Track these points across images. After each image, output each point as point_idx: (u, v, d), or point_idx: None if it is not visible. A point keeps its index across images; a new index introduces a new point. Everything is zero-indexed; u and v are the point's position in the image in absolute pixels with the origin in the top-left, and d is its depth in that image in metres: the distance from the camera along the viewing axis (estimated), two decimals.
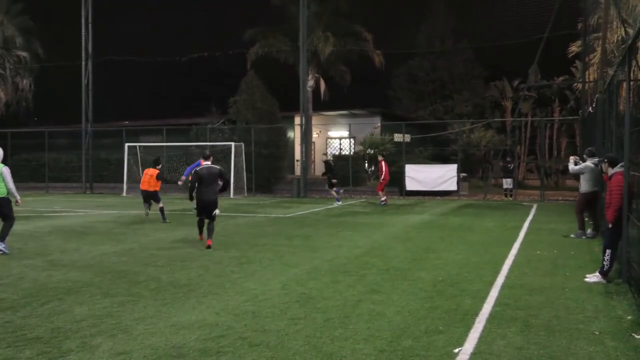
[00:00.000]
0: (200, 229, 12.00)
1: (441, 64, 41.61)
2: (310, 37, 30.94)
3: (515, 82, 40.05)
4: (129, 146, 29.60)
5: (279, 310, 6.42)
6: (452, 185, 26.73)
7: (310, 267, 9.07)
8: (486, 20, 29.57)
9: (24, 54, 37.57)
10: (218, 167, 11.97)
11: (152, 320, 6.00)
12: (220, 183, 11.97)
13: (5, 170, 10.42)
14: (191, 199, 11.71)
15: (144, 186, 16.33)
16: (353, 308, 6.55)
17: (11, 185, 10.45)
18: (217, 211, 11.74)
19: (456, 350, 5.15)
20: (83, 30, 32.59)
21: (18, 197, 10.83)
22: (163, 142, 31.26)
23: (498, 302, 6.84)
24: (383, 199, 22.49)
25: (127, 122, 39.62)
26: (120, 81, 45.77)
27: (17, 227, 14.30)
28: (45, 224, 15.63)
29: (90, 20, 32.54)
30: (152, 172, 16.24)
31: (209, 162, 12.11)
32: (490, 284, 7.87)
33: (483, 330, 5.73)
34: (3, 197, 10.48)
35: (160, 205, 16.12)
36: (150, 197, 16.31)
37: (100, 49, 33.55)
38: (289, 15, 33.29)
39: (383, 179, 22.55)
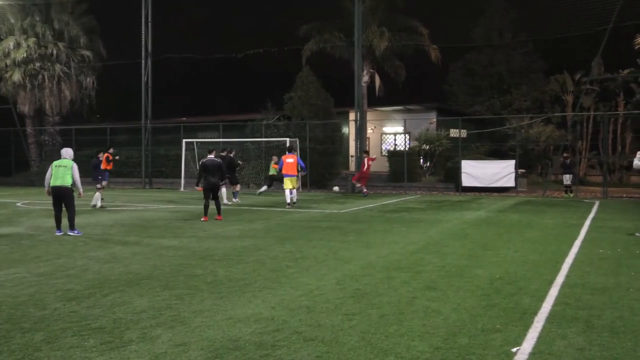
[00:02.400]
0: (206, 211, 15.14)
1: (499, 58, 40.74)
2: (365, 32, 30.79)
3: (577, 76, 38.80)
4: (186, 142, 30.21)
5: (334, 306, 6.43)
6: (509, 182, 26.20)
7: (364, 263, 9.05)
8: (547, 12, 28.79)
9: (87, 53, 38.76)
10: (219, 160, 15.69)
11: (209, 313, 6.11)
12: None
13: (75, 166, 12.51)
14: (197, 184, 15.72)
15: None
16: (408, 305, 6.51)
17: (77, 178, 12.46)
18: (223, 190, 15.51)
19: (514, 350, 5.04)
20: (143, 29, 33.41)
21: (81, 190, 12.59)
22: (219, 138, 31.76)
23: (558, 302, 6.67)
24: (364, 190, 24.83)
25: (184, 118, 40.45)
26: (178, 78, 46.79)
27: (80, 220, 14.84)
28: (107, 217, 16.13)
29: (149, 19, 33.34)
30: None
31: (212, 156, 15.69)
32: (550, 282, 7.68)
33: (542, 330, 5.59)
34: (68, 187, 12.35)
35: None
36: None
37: (159, 47, 34.37)
38: (344, 10, 33.22)
39: (362, 173, 24.95)
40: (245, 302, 6.58)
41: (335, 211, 18.13)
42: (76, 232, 12.45)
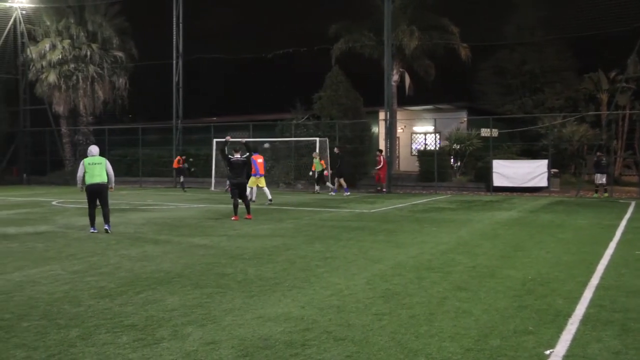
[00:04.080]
0: (235, 210, 15.21)
1: (531, 56, 40.16)
2: (395, 31, 30.67)
3: (612, 74, 38.05)
4: (217, 141, 30.44)
5: (364, 306, 6.42)
6: (542, 182, 25.84)
7: (394, 263, 9.02)
8: (581, 9, 28.27)
9: (120, 54, 39.36)
10: (245, 159, 15.93)
11: (239, 312, 6.15)
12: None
13: (108, 162, 12.92)
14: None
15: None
16: (438, 305, 6.46)
17: (112, 173, 12.87)
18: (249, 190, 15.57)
19: (547, 352, 4.97)
20: (174, 30, 33.79)
21: (113, 184, 13.03)
22: (249, 137, 31.93)
23: (592, 304, 6.55)
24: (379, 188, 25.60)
25: (214, 118, 40.76)
26: (208, 78, 47.17)
27: (114, 219, 15.07)
28: (139, 216, 16.35)
29: (180, 20, 33.70)
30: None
31: (238, 155, 15.95)
32: (584, 284, 7.55)
33: (576, 332, 5.50)
34: (105, 184, 12.69)
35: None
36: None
37: (190, 47, 34.71)
38: (373, 9, 33.11)
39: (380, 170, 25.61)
40: (275, 301, 6.61)
41: (364, 211, 18.09)
42: (109, 226, 12.75)
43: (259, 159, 20.37)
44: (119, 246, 10.77)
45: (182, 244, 11.00)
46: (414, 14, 32.91)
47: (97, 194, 12.61)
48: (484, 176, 27.44)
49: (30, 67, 38.44)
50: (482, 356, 4.87)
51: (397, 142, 35.99)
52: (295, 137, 30.09)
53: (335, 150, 26.30)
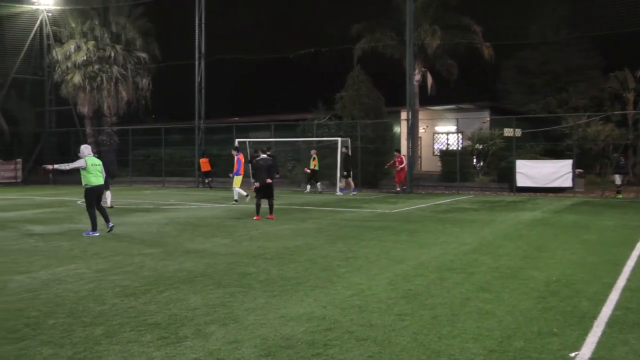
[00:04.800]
0: (258, 209, 15.31)
1: (555, 55, 39.71)
2: (417, 30, 30.54)
3: (639, 72, 37.47)
4: (239, 142, 30.55)
5: (386, 306, 6.40)
6: (566, 182, 25.53)
7: (416, 263, 8.98)
8: (606, 6, 27.86)
9: (143, 54, 39.75)
10: (270, 159, 16.14)
11: (261, 311, 6.17)
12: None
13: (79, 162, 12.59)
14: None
15: None
16: (461, 306, 6.42)
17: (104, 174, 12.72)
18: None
19: (572, 355, 4.91)
20: (196, 31, 33.99)
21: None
22: (271, 137, 32.02)
23: (619, 306, 6.45)
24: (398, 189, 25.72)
25: (236, 118, 40.97)
26: (230, 79, 47.38)
27: (137, 218, 15.26)
28: (162, 216, 16.49)
29: (203, 21, 33.90)
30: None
31: (265, 155, 16.16)
32: (610, 286, 7.44)
33: (602, 335, 5.43)
34: (103, 185, 12.89)
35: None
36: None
37: (212, 48, 34.89)
38: (395, 9, 33.01)
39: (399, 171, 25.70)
40: (297, 301, 6.62)
41: (386, 211, 18.04)
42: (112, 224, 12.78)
43: (242, 159, 21.09)
44: (142, 245, 10.88)
45: (204, 244, 11.07)
46: (436, 13, 32.74)
47: (99, 194, 12.92)
48: (507, 176, 27.19)
49: (56, 68, 38.99)
50: (506, 358, 4.83)
51: (419, 142, 35.85)
52: (317, 137, 30.10)
53: (344, 149, 26.41)
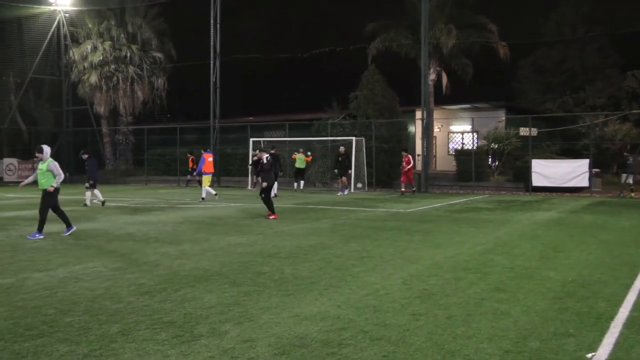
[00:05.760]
0: (273, 208, 15.30)
1: (572, 53, 39.36)
2: (432, 29, 30.43)
3: None
4: (253, 141, 30.63)
5: (400, 305, 6.39)
6: (583, 182, 25.32)
7: (431, 263, 8.95)
8: (624, 4, 27.55)
9: (158, 54, 40.03)
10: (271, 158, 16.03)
11: (276, 310, 6.18)
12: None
13: (52, 165, 11.80)
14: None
15: None
16: (476, 306, 6.39)
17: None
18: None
19: (589, 356, 4.87)
20: (212, 31, 34.13)
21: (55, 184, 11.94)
22: (286, 137, 32.08)
23: (636, 307, 6.38)
24: (402, 189, 25.28)
25: (251, 117, 41.08)
26: (245, 78, 47.51)
27: (152, 217, 15.36)
28: (177, 215, 16.57)
29: (218, 21, 34.03)
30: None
31: (264, 155, 16.12)
32: (628, 287, 7.36)
33: (619, 336, 5.37)
34: (58, 189, 11.98)
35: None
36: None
37: (227, 47, 35.02)
38: (410, 8, 32.93)
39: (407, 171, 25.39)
40: (311, 300, 6.62)
41: (401, 210, 18.00)
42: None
43: (210, 157, 21.49)
44: (157, 244, 10.93)
45: (219, 243, 11.10)
46: (451, 12, 32.60)
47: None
48: (523, 176, 27.03)
49: (73, 68, 39.37)
50: (521, 358, 4.80)
51: (434, 142, 35.72)
52: (331, 136, 30.10)
53: (341, 149, 26.32)
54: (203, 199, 21.27)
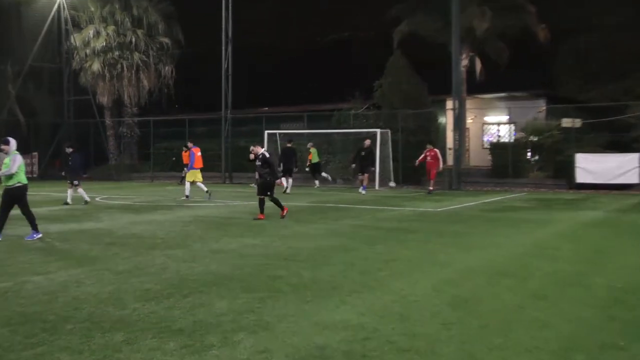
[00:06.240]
0: (279, 205, 15.22)
1: (619, 37, 38.81)
2: (464, 12, 30.19)
3: None
4: (268, 133, 30.67)
5: (430, 313, 6.36)
6: (632, 178, 25.03)
7: (463, 267, 8.91)
8: None
9: (166, 40, 40.21)
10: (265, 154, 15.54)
11: (293, 318, 6.18)
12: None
13: (14, 158, 11.50)
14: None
15: None
16: (514, 314, 6.34)
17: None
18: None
19: None
20: (223, 14, 34.17)
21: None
22: (304, 129, 32.09)
23: None
24: (430, 188, 24.73)
25: (266, 108, 41.12)
26: (259, 66, 47.56)
27: (159, 216, 15.46)
28: (185, 214, 16.67)
29: (230, 3, 34.05)
30: None
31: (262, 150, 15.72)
32: None
33: None
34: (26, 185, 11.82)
35: None
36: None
37: (240, 32, 35.01)
38: None
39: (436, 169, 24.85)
40: (332, 307, 6.61)
41: (430, 209, 17.94)
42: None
43: (198, 152, 21.74)
44: (164, 246, 11.00)
45: (231, 244, 11.14)
46: None
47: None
48: (565, 171, 26.78)
49: (74, 55, 39.74)
50: None
51: (467, 134, 35.49)
52: (353, 128, 30.06)
53: (367, 142, 25.66)
54: (187, 197, 21.29)
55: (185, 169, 29.41)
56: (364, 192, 24.32)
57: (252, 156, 15.76)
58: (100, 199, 21.86)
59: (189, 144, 22.62)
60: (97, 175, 36.90)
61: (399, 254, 10.01)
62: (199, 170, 21.65)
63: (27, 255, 9.99)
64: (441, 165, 25.21)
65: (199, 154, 21.77)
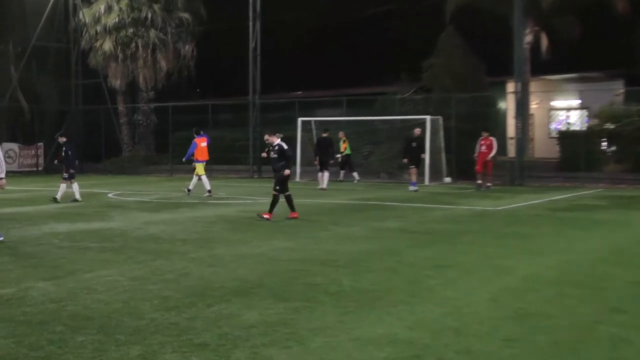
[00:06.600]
0: (291, 205, 15.19)
1: None
2: None
3: None
4: (302, 121, 30.68)
5: (489, 328, 6.31)
6: None
7: (528, 275, 8.84)
8: None
9: (185, 15, 40.36)
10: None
11: (331, 332, 6.18)
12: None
13: None
14: None
15: None
16: (588, 330, 6.26)
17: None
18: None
19: None
20: None
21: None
22: (342, 115, 32.03)
23: None
24: (488, 184, 24.27)
25: (299, 92, 41.15)
26: (291, 44, 47.59)
27: (178, 215, 15.63)
28: (209, 212, 16.80)
29: None
30: None
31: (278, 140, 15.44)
32: None
33: None
34: None
35: None
36: None
37: (269, 6, 35.00)
38: None
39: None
40: (375, 320, 6.60)
41: (489, 208, 17.83)
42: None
43: (203, 142, 21.82)
44: (185, 248, 11.10)
45: (260, 247, 11.20)
46: None
47: None
48: None
49: (83, 33, 40.15)
50: None
51: (531, 121, 35.09)
52: (399, 114, 29.92)
53: (417, 131, 25.02)
54: (189, 190, 21.46)
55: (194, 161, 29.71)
56: (414, 188, 23.64)
57: (264, 155, 15.73)
58: (113, 195, 22.16)
59: (196, 132, 22.66)
60: (110, 168, 37.33)
61: (452, 259, 9.97)
62: (204, 163, 21.81)
63: (32, 258, 10.17)
64: (492, 154, 24.37)
65: (204, 144, 21.84)
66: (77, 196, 19.37)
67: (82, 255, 10.49)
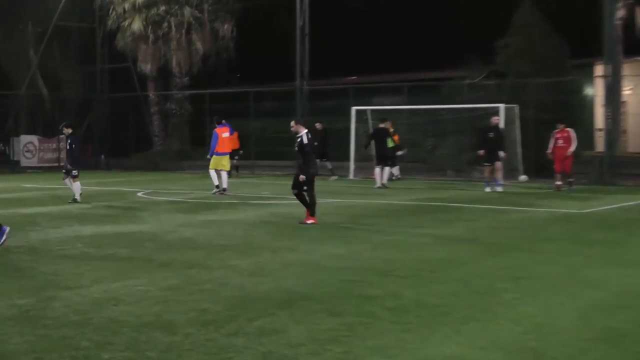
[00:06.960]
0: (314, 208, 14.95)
1: None
2: None
3: None
4: (357, 110, 30.64)
5: (575, 351, 6.23)
6: None
7: (620, 290, 8.73)
8: None
9: None
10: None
11: (392, 352, 6.17)
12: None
13: None
14: None
15: None
16: None
17: None
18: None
19: None
20: None
21: None
22: (403, 104, 31.89)
23: None
24: (570, 179, 23.77)
25: (354, 77, 41.09)
26: (345, 23, 47.57)
27: (216, 217, 15.75)
28: (251, 213, 16.91)
29: None
30: None
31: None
32: None
33: None
34: None
35: None
36: None
37: None
38: None
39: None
40: (442, 338, 6.57)
41: (573, 211, 17.62)
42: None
43: (225, 132, 22.13)
44: (224, 255, 11.18)
45: (309, 254, 11.22)
46: None
47: None
48: None
49: (110, 12, 40.58)
50: None
51: (624, 110, 34.50)
52: (468, 103, 29.69)
53: (494, 120, 24.34)
54: (218, 188, 21.66)
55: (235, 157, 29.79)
56: (499, 189, 23.06)
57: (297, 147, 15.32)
58: (143, 194, 22.42)
59: (217, 121, 22.86)
60: (140, 164, 37.69)
61: (531, 270, 9.88)
62: (227, 155, 22.00)
63: (53, 265, 10.33)
64: (572, 150, 23.69)
65: (226, 134, 21.95)
66: (77, 196, 19.41)
67: (109, 261, 10.64)
